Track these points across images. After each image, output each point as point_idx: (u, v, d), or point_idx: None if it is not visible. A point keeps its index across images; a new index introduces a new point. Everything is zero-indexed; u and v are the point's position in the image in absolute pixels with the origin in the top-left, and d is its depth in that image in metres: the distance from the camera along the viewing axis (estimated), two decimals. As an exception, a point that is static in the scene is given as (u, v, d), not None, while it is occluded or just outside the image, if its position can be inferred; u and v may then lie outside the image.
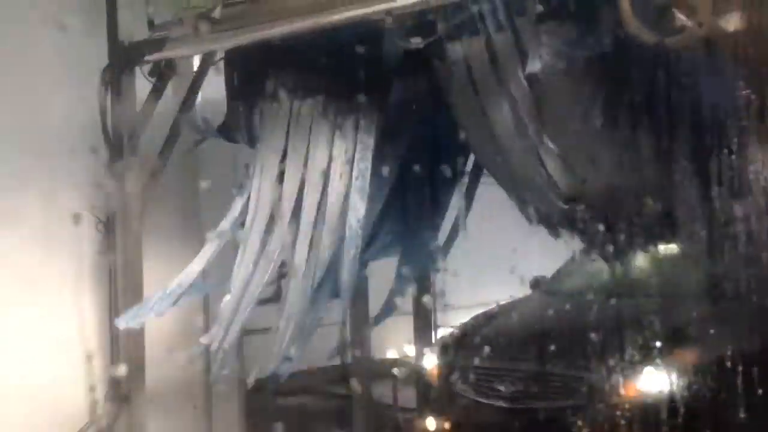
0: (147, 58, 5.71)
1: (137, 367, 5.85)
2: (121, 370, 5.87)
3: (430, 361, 5.77)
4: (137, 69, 5.82)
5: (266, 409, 6.85)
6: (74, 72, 5.87)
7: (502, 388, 5.23)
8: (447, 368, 5.61)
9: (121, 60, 5.82)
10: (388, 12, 4.66)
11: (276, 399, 7.57)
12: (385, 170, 5.47)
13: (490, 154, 5.22)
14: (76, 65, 5.88)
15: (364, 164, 5.37)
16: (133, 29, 5.73)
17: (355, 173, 5.37)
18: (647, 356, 4.95)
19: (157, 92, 5.86)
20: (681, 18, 3.81)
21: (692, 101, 4.35)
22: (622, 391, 4.96)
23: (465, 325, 6.02)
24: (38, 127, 5.82)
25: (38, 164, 5.79)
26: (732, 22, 3.72)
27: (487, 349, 5.44)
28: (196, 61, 6.10)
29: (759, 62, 3.73)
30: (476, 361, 5.43)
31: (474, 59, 4.84)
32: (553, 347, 5.18)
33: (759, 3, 3.68)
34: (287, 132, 5.55)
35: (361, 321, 6.68)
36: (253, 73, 5.75)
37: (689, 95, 4.34)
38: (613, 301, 5.54)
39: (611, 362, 4.94)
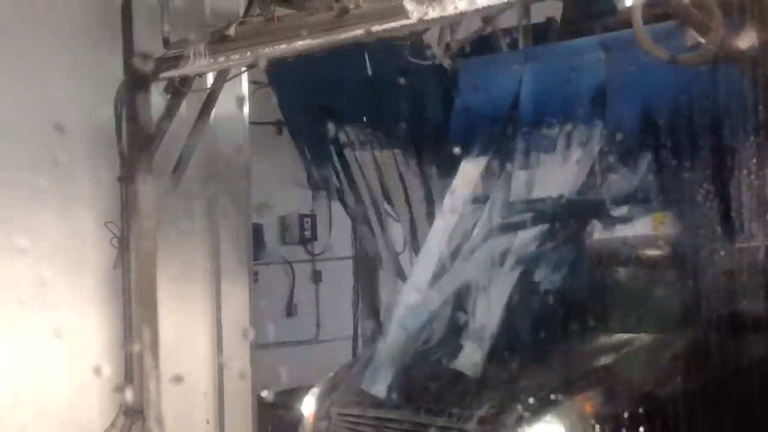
0: (162, 75, 5.76)
1: (151, 381, 5.87)
2: (135, 384, 5.90)
3: (308, 407, 5.19)
4: (152, 86, 5.88)
5: (278, 423, 6.85)
6: (90, 88, 5.93)
7: None
8: (320, 415, 5.11)
9: (137, 77, 5.88)
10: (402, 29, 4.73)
11: (288, 413, 7.59)
12: None
13: None
14: (92, 82, 5.94)
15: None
16: (149, 47, 5.78)
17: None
18: (542, 406, 4.36)
19: (171, 109, 5.91)
20: (693, 35, 3.85)
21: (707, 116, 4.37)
22: None
23: (343, 366, 5.53)
24: (54, 142, 5.87)
25: (54, 180, 5.84)
26: (744, 39, 3.76)
27: (358, 394, 4.96)
28: (211, 79, 6.16)
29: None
30: (347, 408, 4.98)
31: None
32: (433, 394, 4.71)
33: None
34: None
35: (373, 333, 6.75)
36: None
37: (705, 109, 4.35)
38: (508, 340, 4.97)
39: (500, 413, 4.39)
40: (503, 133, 5.17)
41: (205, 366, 6.60)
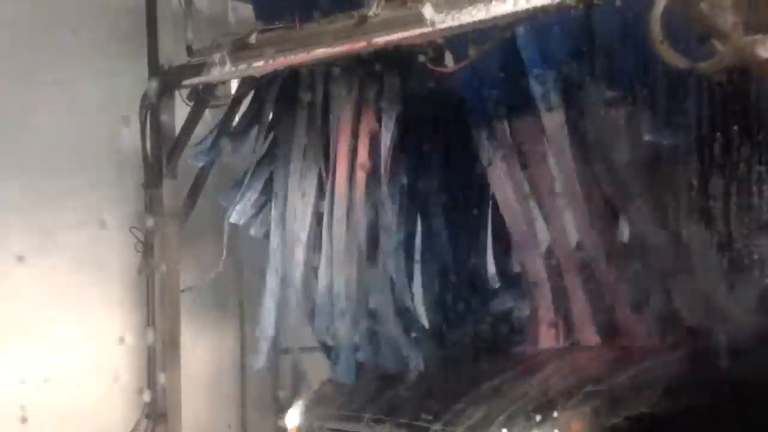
0: (185, 82, 5.82)
1: (174, 385, 5.94)
2: (158, 387, 5.97)
3: (292, 421, 5.15)
4: (176, 93, 5.96)
5: (301, 428, 6.90)
6: (116, 96, 6.03)
7: None
8: (303, 429, 5.07)
9: (161, 84, 5.96)
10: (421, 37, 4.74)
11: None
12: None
13: None
14: (117, 89, 6.03)
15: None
16: (173, 54, 5.86)
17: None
18: (527, 422, 4.17)
19: (195, 116, 5.98)
20: (713, 43, 3.81)
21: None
22: None
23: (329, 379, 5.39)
24: (79, 148, 5.99)
25: (78, 185, 5.95)
26: (765, 47, 3.71)
27: (339, 408, 4.95)
28: (234, 86, 6.22)
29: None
30: (327, 422, 4.93)
31: None
32: (414, 409, 4.58)
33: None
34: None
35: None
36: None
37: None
38: (496, 360, 4.87)
39: (483, 430, 4.24)
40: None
41: (228, 369, 6.66)
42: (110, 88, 6.02)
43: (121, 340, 6.13)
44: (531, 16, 4.29)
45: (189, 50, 5.78)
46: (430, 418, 4.40)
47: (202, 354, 6.24)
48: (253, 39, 5.40)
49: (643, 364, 4.39)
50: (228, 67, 5.61)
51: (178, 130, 6.00)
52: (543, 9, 4.24)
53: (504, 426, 4.19)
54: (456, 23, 4.51)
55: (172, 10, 5.89)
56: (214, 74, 5.69)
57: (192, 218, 6.07)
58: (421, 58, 5.06)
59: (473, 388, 4.52)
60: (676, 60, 3.86)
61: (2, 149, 5.65)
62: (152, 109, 6.00)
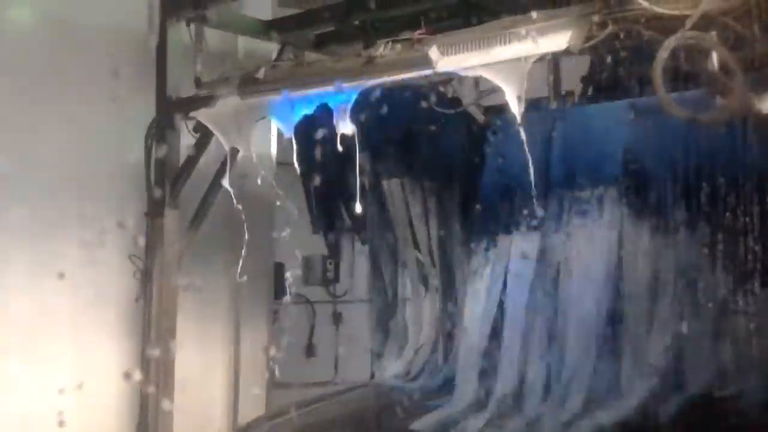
0: (192, 113, 5.88)
1: (165, 416, 5.90)
2: (150, 417, 5.93)
3: None
4: (183, 124, 6.01)
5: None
6: (122, 125, 6.07)
7: None
8: None
9: (168, 114, 6.01)
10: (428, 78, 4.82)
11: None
12: None
13: None
14: (124, 118, 6.08)
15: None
16: (181, 86, 5.91)
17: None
18: None
19: (199, 147, 6.02)
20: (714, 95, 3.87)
21: None
22: None
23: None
24: (82, 174, 6.03)
25: (79, 211, 5.97)
26: (766, 102, 3.77)
27: None
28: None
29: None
30: None
31: None
32: None
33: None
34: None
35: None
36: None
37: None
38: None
39: None
40: (537, 196, 5.18)
41: (221, 402, 6.63)
42: (117, 117, 6.05)
43: (115, 368, 6.10)
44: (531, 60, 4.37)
45: (197, 82, 5.84)
46: None
47: (195, 385, 6.20)
48: (261, 74, 5.46)
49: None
50: (235, 101, 5.68)
51: (182, 160, 6.03)
52: (543, 55, 4.33)
53: None
54: (461, 66, 4.60)
55: (183, 44, 5.94)
56: (221, 107, 5.77)
57: (192, 248, 6.07)
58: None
59: None
60: (677, 111, 3.92)
61: (8, 177, 5.67)
62: (157, 139, 6.03)
